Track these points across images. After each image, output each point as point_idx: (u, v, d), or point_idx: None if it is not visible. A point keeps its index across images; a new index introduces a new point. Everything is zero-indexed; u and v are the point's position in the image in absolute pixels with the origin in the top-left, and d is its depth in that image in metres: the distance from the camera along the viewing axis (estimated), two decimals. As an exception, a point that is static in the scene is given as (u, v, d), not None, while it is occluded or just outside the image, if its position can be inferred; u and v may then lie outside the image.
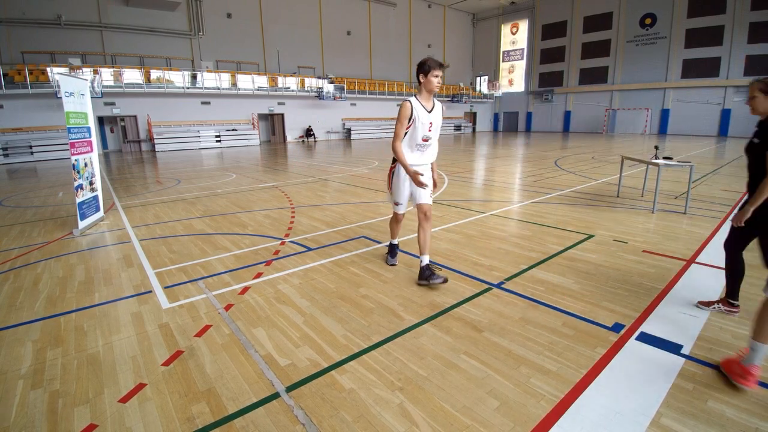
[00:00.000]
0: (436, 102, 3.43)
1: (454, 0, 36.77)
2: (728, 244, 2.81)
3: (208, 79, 22.72)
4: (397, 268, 3.90)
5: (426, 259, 3.44)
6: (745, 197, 2.62)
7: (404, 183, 3.53)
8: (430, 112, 3.35)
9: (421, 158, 3.48)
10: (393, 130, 3.42)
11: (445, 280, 3.35)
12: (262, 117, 26.56)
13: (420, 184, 3.34)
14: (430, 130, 3.37)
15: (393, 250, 3.99)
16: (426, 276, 3.38)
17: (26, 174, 12.84)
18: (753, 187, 2.54)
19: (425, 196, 3.47)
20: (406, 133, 3.34)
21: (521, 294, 3.26)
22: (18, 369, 2.39)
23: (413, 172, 3.32)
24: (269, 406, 2.03)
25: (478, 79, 39.15)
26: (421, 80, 3.30)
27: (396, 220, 3.82)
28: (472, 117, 38.95)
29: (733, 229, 2.72)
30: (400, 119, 3.29)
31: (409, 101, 3.29)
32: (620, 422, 1.87)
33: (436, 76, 3.24)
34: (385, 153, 17.56)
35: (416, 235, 3.63)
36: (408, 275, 3.70)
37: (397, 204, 3.67)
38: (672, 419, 1.89)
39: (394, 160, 3.57)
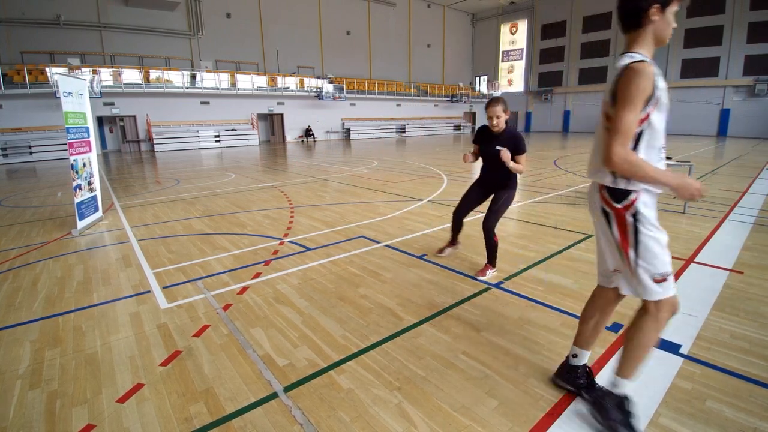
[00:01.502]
0: None
1: (454, 0, 36.77)
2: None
3: (208, 79, 22.73)
4: (397, 267, 3.88)
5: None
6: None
7: (664, 232, 1.70)
8: None
9: None
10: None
11: None
12: (262, 117, 26.55)
13: (698, 196, 1.57)
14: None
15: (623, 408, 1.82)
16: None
17: (25, 174, 12.82)
18: (496, 177, 3.92)
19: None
20: (640, 134, 1.61)
21: (520, 294, 3.26)
22: (16, 369, 2.39)
23: (685, 184, 1.55)
24: (267, 406, 2.03)
25: (477, 79, 39.21)
26: (648, 20, 1.59)
27: (670, 310, 1.70)
28: (472, 117, 38.95)
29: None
30: (632, 100, 1.53)
31: (647, 62, 1.55)
32: (619, 422, 1.87)
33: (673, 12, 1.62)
34: (384, 152, 17.36)
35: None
36: (407, 275, 3.69)
37: (664, 279, 1.65)
38: (671, 419, 1.89)
39: (622, 195, 1.69)
